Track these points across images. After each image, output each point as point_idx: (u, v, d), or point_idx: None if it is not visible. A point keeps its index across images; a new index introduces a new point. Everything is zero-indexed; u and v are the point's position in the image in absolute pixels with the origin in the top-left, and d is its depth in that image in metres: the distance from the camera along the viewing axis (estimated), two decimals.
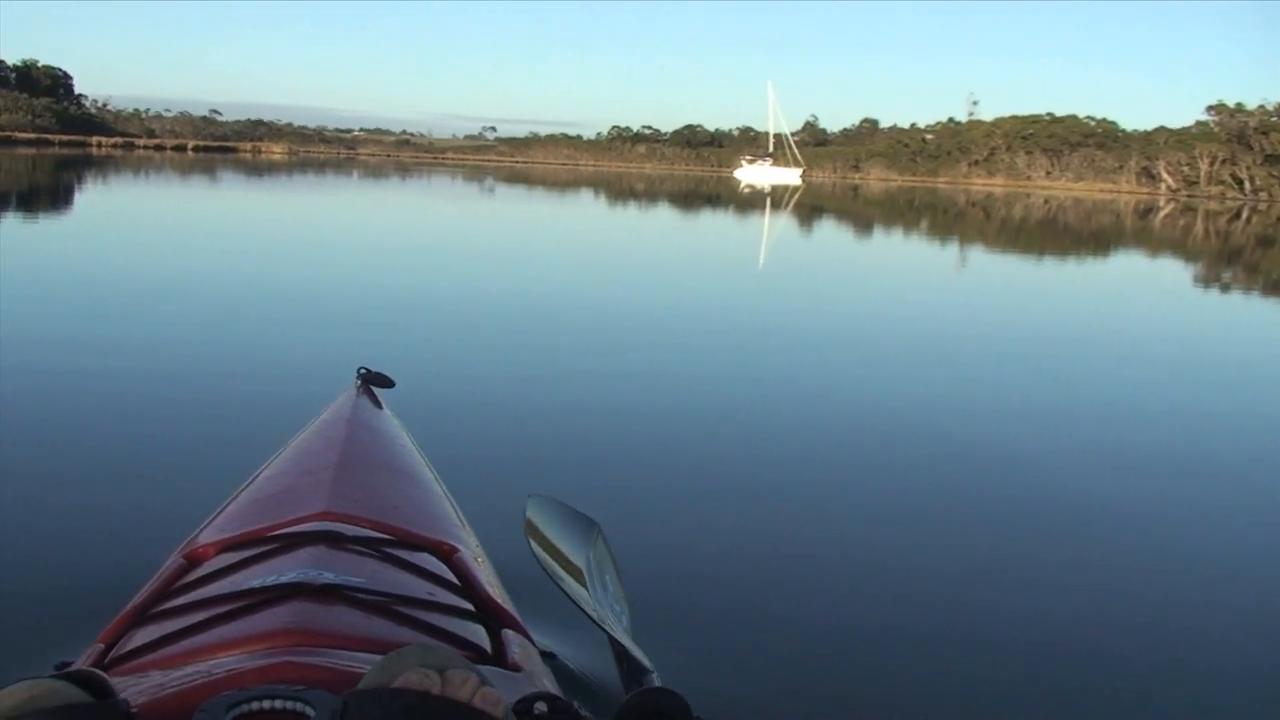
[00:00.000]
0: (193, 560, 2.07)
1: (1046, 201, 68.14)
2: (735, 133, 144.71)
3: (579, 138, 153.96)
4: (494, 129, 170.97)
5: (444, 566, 2.08)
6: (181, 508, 3.06)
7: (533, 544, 2.23)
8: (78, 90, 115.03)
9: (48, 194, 30.00)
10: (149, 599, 1.94)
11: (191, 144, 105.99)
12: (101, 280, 11.56)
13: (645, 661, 1.91)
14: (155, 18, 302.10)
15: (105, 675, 1.10)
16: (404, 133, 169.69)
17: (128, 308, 9.68)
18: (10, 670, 2.56)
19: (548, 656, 2.27)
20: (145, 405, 5.98)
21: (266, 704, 1.31)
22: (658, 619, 2.83)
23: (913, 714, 3.00)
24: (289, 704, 1.31)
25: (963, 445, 6.18)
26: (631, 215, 35.85)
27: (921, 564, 4.18)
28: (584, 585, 2.17)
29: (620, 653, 2.02)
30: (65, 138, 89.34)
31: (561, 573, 2.12)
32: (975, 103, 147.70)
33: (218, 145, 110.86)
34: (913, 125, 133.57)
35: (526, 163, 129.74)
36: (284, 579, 1.80)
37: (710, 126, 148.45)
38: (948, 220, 41.67)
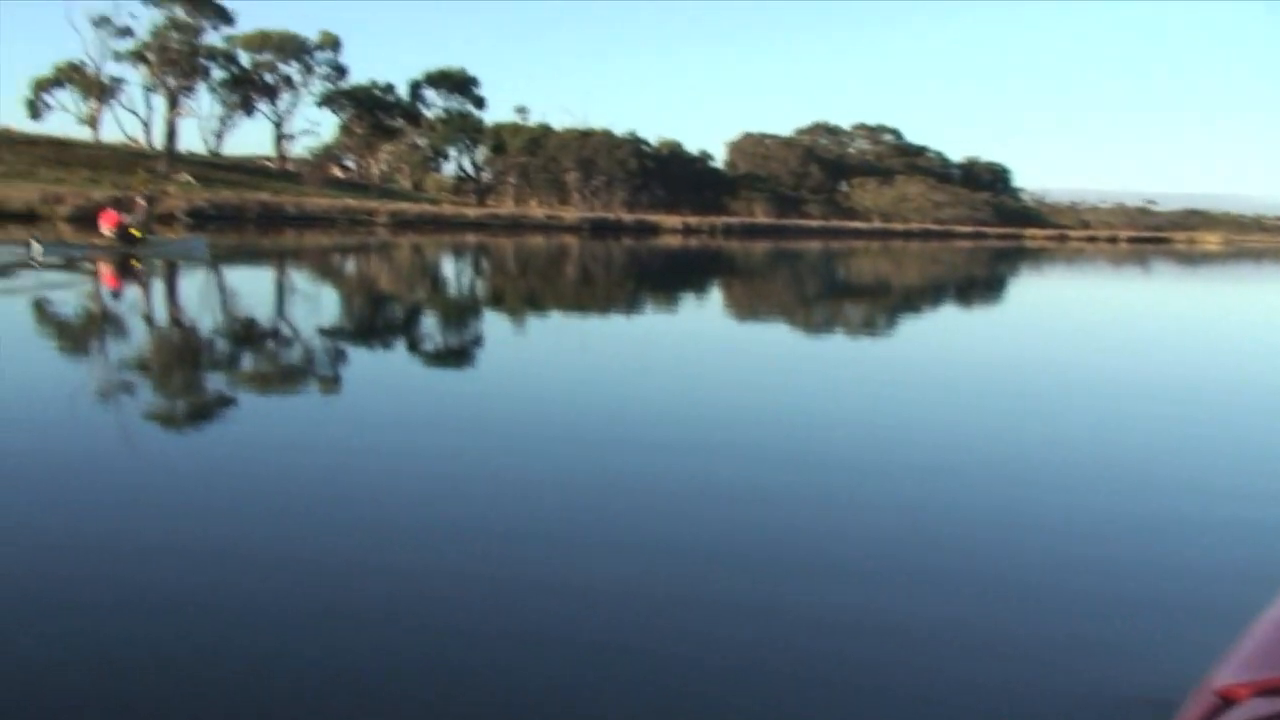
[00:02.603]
0: (1226, 700, 1.95)
1: None
2: None
3: None
4: None
5: None
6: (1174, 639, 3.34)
7: None
8: (1015, 184, 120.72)
9: (981, 284, 32.14)
10: None
11: (1124, 235, 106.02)
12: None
13: None
14: (1101, 111, 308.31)
15: None
16: None
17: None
18: None
19: None
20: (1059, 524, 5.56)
21: None
22: None
23: None
24: None
25: None
26: None
27: None
28: None
29: None
30: (1000, 230, 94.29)
31: None
32: None
33: (1149, 236, 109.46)
34: None
35: None
36: None
37: None
38: None
